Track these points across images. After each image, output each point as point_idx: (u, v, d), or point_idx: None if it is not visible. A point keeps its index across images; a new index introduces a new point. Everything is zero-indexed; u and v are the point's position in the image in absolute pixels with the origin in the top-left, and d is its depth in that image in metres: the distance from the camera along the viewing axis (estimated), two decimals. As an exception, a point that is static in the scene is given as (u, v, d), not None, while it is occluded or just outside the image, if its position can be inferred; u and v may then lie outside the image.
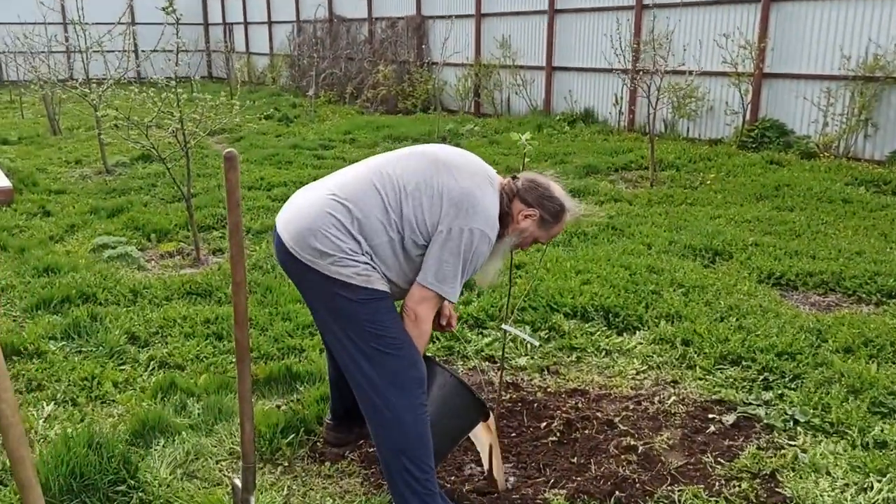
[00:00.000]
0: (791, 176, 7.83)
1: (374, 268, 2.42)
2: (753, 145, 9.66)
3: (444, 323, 2.87)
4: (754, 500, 2.68)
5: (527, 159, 2.94)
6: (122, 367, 3.77)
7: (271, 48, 21.52)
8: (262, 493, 2.75)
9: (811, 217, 6.35)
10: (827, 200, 6.88)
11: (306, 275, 2.44)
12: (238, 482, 2.36)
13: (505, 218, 2.55)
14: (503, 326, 3.01)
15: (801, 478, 2.79)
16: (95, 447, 2.77)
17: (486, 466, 2.88)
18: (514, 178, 2.65)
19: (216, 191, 7.49)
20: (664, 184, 7.95)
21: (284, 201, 2.64)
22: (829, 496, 2.68)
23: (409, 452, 2.43)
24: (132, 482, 2.73)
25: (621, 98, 11.63)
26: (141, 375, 3.69)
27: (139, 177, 8.42)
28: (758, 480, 2.80)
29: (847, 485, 2.75)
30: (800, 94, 9.49)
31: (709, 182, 7.84)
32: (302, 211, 2.47)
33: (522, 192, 2.58)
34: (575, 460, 2.99)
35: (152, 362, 3.81)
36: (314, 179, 9.17)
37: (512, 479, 2.89)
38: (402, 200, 2.43)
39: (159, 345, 4.02)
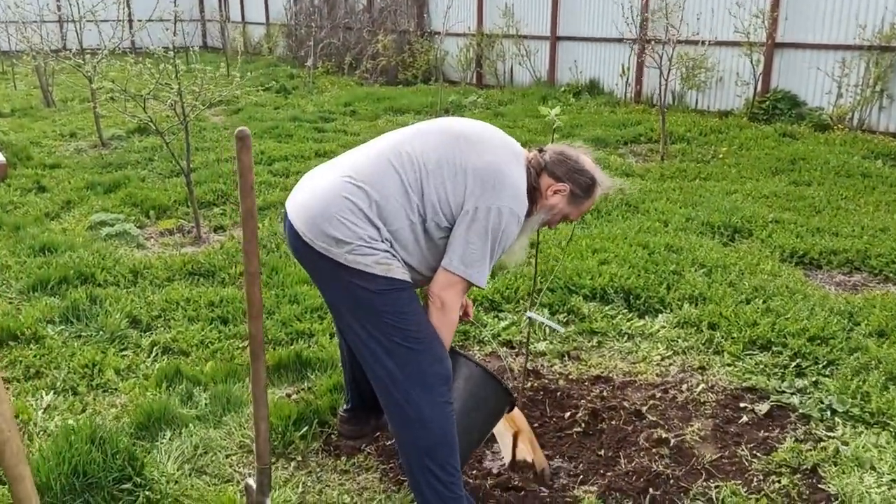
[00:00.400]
0: (806, 149, 7.62)
1: (393, 255, 2.24)
2: (764, 117, 9.44)
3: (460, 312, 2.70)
4: (797, 498, 2.54)
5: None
6: (124, 353, 3.60)
7: (267, 17, 21.08)
8: (275, 491, 2.60)
9: (830, 192, 6.16)
10: (845, 175, 6.69)
11: (320, 263, 2.25)
12: (252, 482, 2.21)
13: (533, 194, 2.38)
14: (528, 314, 2.85)
15: (844, 473, 2.65)
16: (98, 442, 2.61)
17: (508, 457, 2.74)
18: (540, 150, 2.47)
19: (215, 165, 7.27)
20: (675, 157, 7.74)
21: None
22: (876, 493, 2.54)
23: (433, 453, 2.27)
24: (138, 480, 2.58)
25: (628, 69, 11.36)
26: (144, 362, 3.53)
27: (136, 150, 8.18)
28: (798, 475, 2.65)
29: (894, 480, 2.61)
30: (813, 64, 9.25)
31: (721, 156, 7.64)
32: (315, 195, 2.28)
33: (551, 165, 2.41)
34: (602, 453, 2.84)
35: (155, 348, 3.64)
36: (316, 153, 8.85)
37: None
38: (423, 180, 2.25)
39: (162, 329, 3.85)
